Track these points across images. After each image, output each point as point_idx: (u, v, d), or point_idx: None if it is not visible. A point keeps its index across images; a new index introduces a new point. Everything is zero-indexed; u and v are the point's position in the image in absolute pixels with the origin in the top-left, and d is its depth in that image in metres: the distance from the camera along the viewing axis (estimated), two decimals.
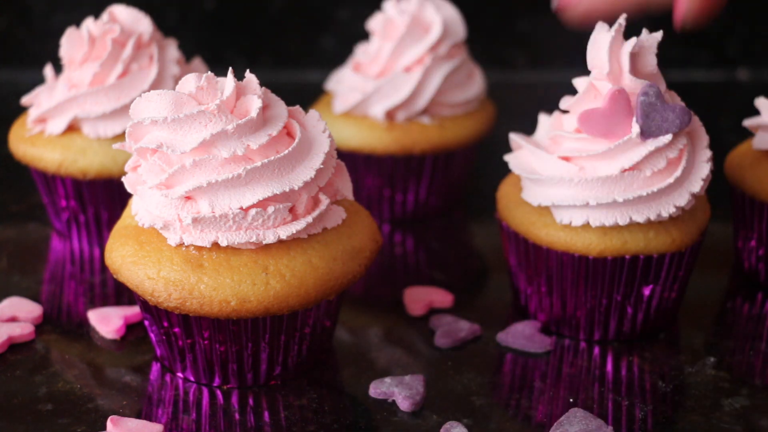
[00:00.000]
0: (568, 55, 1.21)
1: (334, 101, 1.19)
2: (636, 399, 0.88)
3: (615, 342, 0.96)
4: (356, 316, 1.00)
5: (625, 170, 0.90)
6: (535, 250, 0.94)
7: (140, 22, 1.10)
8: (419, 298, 1.01)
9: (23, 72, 1.60)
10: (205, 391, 0.87)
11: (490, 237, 1.14)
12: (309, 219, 0.83)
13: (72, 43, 1.09)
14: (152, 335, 0.90)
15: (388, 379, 0.88)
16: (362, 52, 1.21)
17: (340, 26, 1.68)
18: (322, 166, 0.83)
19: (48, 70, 1.13)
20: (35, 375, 0.90)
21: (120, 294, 1.02)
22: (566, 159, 0.92)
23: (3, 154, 1.22)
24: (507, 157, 0.97)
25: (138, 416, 0.84)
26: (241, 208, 0.81)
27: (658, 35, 0.90)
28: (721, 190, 1.10)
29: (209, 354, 0.86)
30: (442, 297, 1.02)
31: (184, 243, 0.83)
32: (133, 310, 0.97)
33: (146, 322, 0.89)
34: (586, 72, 0.92)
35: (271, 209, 0.81)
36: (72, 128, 1.09)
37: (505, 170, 1.00)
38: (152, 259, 0.83)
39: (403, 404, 0.86)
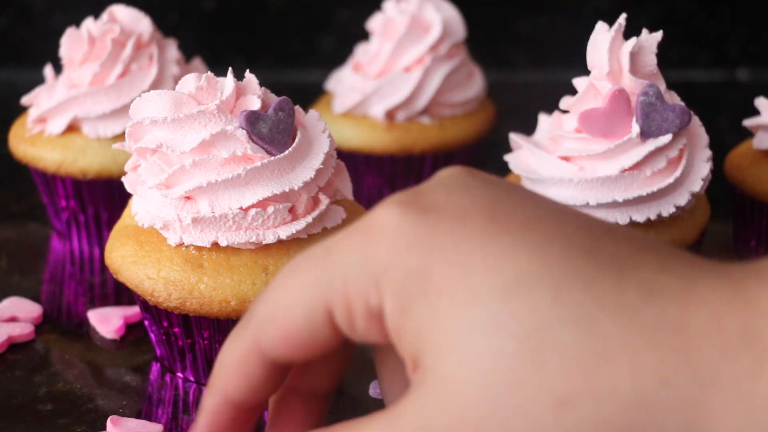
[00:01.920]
0: (568, 55, 1.21)
1: (334, 101, 1.19)
2: None
3: None
4: None
5: (625, 170, 0.90)
6: None
7: (140, 22, 1.10)
8: None
9: (23, 72, 1.60)
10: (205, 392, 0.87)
11: None
12: (309, 219, 0.83)
13: (72, 43, 1.09)
14: (152, 335, 0.90)
15: None
16: (362, 52, 1.21)
17: (340, 26, 1.68)
18: (321, 166, 0.83)
19: (48, 70, 1.13)
20: (35, 375, 0.90)
21: (120, 294, 1.02)
22: (566, 159, 0.92)
23: (3, 154, 1.22)
24: (507, 157, 0.96)
25: (138, 416, 0.84)
26: (241, 208, 0.81)
27: (658, 35, 0.90)
28: (721, 190, 1.09)
29: (209, 354, 0.86)
30: None
31: (183, 243, 0.83)
32: (133, 310, 0.97)
33: (146, 322, 0.89)
34: (586, 72, 0.92)
35: (270, 209, 0.81)
36: (72, 128, 1.09)
37: (505, 170, 1.00)
38: (152, 259, 0.83)
39: None
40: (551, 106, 0.98)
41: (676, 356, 0.49)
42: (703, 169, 0.91)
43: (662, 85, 0.90)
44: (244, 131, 0.81)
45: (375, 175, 1.17)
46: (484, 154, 1.25)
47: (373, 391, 0.87)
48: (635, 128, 0.89)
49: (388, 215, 0.55)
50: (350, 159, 1.15)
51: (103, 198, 1.09)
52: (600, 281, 0.51)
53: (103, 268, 1.07)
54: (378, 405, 0.86)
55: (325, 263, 0.56)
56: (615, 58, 0.89)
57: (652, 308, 0.50)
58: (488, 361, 0.51)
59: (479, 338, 0.51)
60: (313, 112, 0.87)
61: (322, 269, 0.56)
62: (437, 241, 0.54)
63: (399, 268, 0.54)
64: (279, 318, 0.57)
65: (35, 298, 1.01)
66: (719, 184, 1.07)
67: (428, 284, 0.53)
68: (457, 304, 0.52)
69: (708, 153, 0.92)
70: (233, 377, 0.62)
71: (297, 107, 0.87)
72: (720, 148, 1.06)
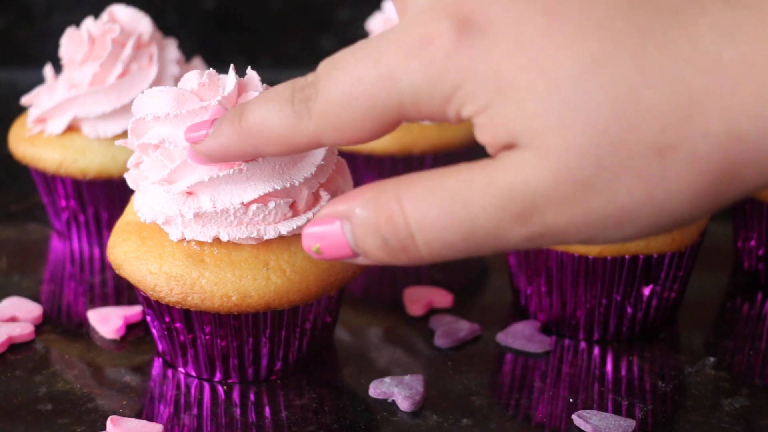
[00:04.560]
0: None
1: None
2: (636, 399, 0.88)
3: (615, 342, 0.96)
4: (356, 315, 1.00)
5: None
6: (535, 250, 0.94)
7: (140, 22, 1.10)
8: (419, 298, 1.01)
9: (23, 72, 1.60)
10: (207, 388, 0.87)
11: None
12: (310, 215, 0.83)
13: (72, 43, 1.09)
14: (154, 330, 0.90)
15: (388, 379, 0.88)
16: None
17: (340, 26, 1.68)
18: (322, 162, 0.83)
19: (48, 70, 1.13)
20: (35, 375, 0.90)
21: (120, 294, 1.02)
22: None
23: (3, 154, 1.22)
24: None
25: (138, 416, 0.84)
26: (242, 204, 0.81)
27: None
28: None
29: (210, 349, 0.86)
30: (442, 297, 1.02)
31: (185, 238, 0.83)
32: (133, 310, 0.97)
33: (148, 318, 0.89)
34: None
35: (272, 204, 0.81)
36: (72, 128, 1.09)
37: None
38: (154, 255, 0.83)
39: (403, 404, 0.86)
40: None
41: (759, 93, 0.54)
42: None
43: None
44: None
45: (375, 175, 1.17)
46: (485, 153, 1.25)
47: (374, 391, 0.87)
48: None
49: (441, 31, 0.59)
50: (350, 159, 1.15)
51: (103, 198, 1.09)
52: (674, 38, 0.55)
53: (103, 268, 1.07)
54: (378, 405, 0.86)
55: (387, 82, 0.62)
56: None
57: (729, 51, 0.55)
58: (588, 131, 0.56)
59: (574, 115, 0.56)
60: None
61: (385, 91, 0.62)
62: (503, 49, 0.58)
63: (470, 82, 0.59)
64: (345, 129, 0.65)
65: (35, 298, 1.01)
66: None
67: (503, 85, 0.58)
68: (541, 94, 0.57)
69: None
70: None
71: None
72: None
